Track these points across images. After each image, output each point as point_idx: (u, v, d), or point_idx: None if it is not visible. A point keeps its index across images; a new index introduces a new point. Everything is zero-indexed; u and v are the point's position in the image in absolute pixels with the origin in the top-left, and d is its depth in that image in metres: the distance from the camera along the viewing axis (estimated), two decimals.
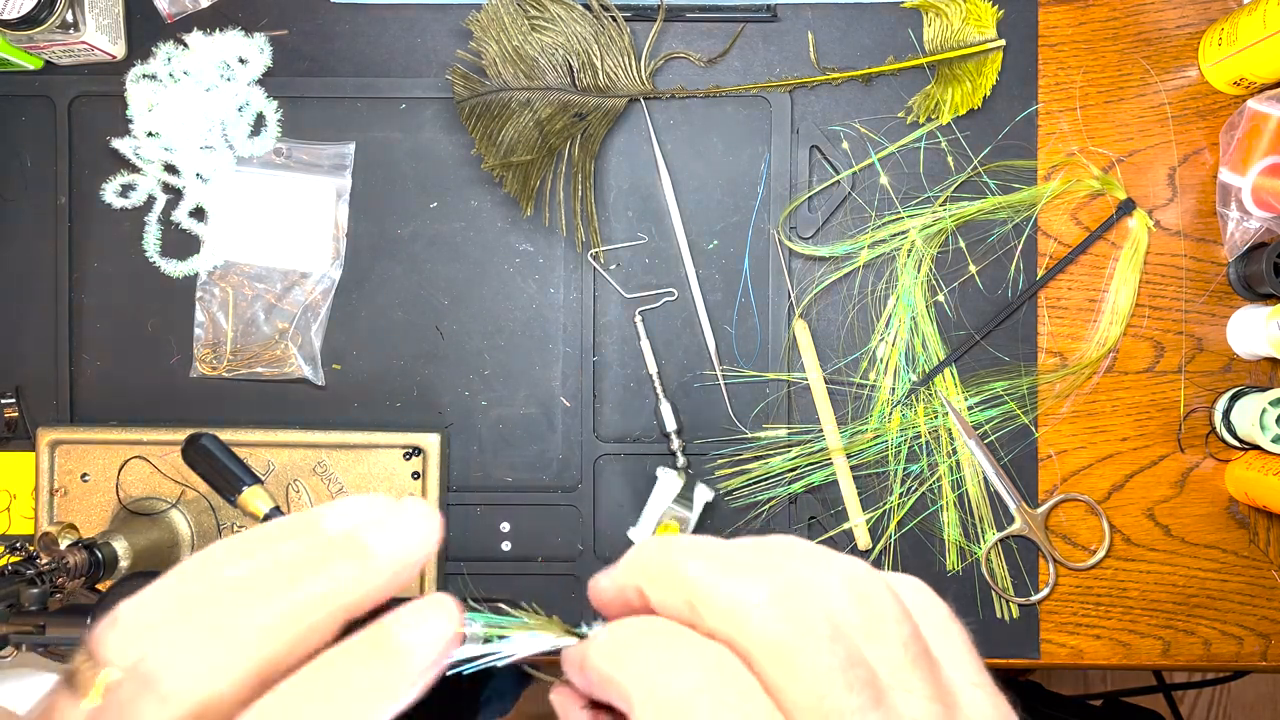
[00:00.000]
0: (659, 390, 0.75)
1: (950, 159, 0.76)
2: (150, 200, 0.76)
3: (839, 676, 0.22)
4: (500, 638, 0.27)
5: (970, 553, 0.75)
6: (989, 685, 0.25)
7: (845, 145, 0.76)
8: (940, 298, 0.76)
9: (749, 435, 0.76)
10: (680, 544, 0.25)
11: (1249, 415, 0.71)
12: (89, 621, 0.60)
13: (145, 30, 0.76)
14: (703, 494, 0.74)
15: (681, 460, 0.75)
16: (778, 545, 0.25)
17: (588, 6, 0.74)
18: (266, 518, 0.64)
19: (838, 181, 0.76)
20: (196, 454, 0.66)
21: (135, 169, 0.76)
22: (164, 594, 0.23)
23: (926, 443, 0.75)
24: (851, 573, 0.24)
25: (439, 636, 0.23)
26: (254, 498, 0.64)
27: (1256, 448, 0.73)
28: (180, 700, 0.21)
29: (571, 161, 0.75)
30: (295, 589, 0.23)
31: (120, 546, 0.69)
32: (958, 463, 0.75)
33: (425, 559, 0.25)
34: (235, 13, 0.76)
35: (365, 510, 0.25)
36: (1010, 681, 1.34)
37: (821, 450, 0.75)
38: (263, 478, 0.70)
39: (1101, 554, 0.75)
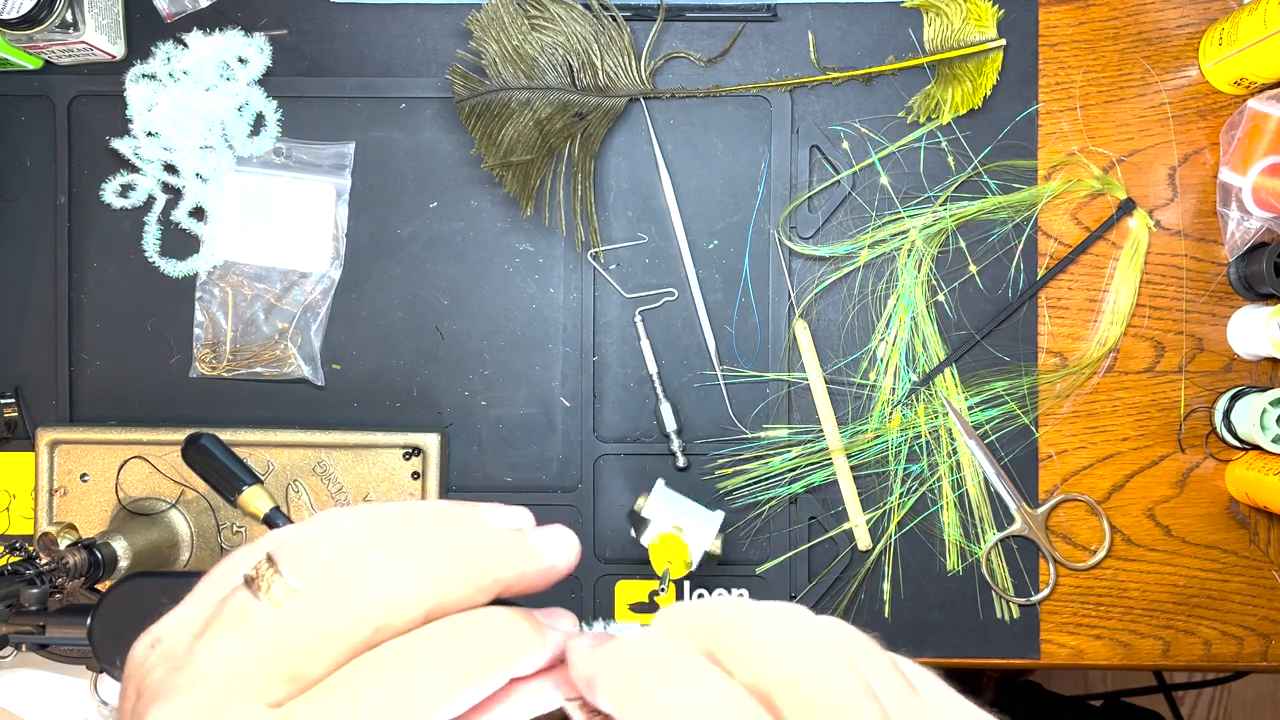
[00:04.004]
0: (659, 390, 0.75)
1: (950, 159, 0.76)
2: (150, 200, 0.76)
3: (859, 704, 0.23)
4: None
5: (970, 553, 0.75)
6: (971, 706, 0.27)
7: (845, 145, 0.76)
8: (940, 298, 0.76)
9: (749, 435, 0.76)
10: (695, 603, 0.27)
11: (1249, 415, 0.71)
12: (89, 622, 0.60)
13: (145, 30, 0.76)
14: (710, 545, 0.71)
15: (683, 461, 0.75)
16: (772, 604, 0.27)
17: (588, 6, 0.74)
18: (267, 518, 0.64)
19: (838, 181, 0.76)
20: (196, 454, 0.66)
21: (135, 169, 0.76)
22: (353, 528, 0.26)
23: (926, 443, 0.75)
24: (839, 622, 0.27)
25: (569, 622, 0.28)
26: (254, 498, 0.64)
27: (1257, 448, 0.73)
28: (370, 611, 0.24)
29: (571, 161, 0.75)
30: (476, 553, 0.26)
31: (120, 546, 0.69)
32: (958, 463, 0.75)
33: (566, 572, 0.28)
34: (235, 12, 0.76)
35: (520, 517, 0.29)
36: (1011, 682, 1.34)
37: (822, 450, 0.75)
38: (262, 478, 0.70)
39: (1102, 554, 0.75)
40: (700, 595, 0.76)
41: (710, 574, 0.76)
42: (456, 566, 0.26)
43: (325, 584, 0.25)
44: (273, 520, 0.64)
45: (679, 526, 0.69)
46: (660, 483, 0.71)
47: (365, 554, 0.25)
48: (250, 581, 0.25)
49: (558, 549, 0.28)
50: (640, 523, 0.69)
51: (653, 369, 0.76)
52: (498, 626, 0.26)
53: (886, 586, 0.76)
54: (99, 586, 0.67)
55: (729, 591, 0.76)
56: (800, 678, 0.23)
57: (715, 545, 0.70)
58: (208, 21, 0.76)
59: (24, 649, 0.63)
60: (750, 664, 0.24)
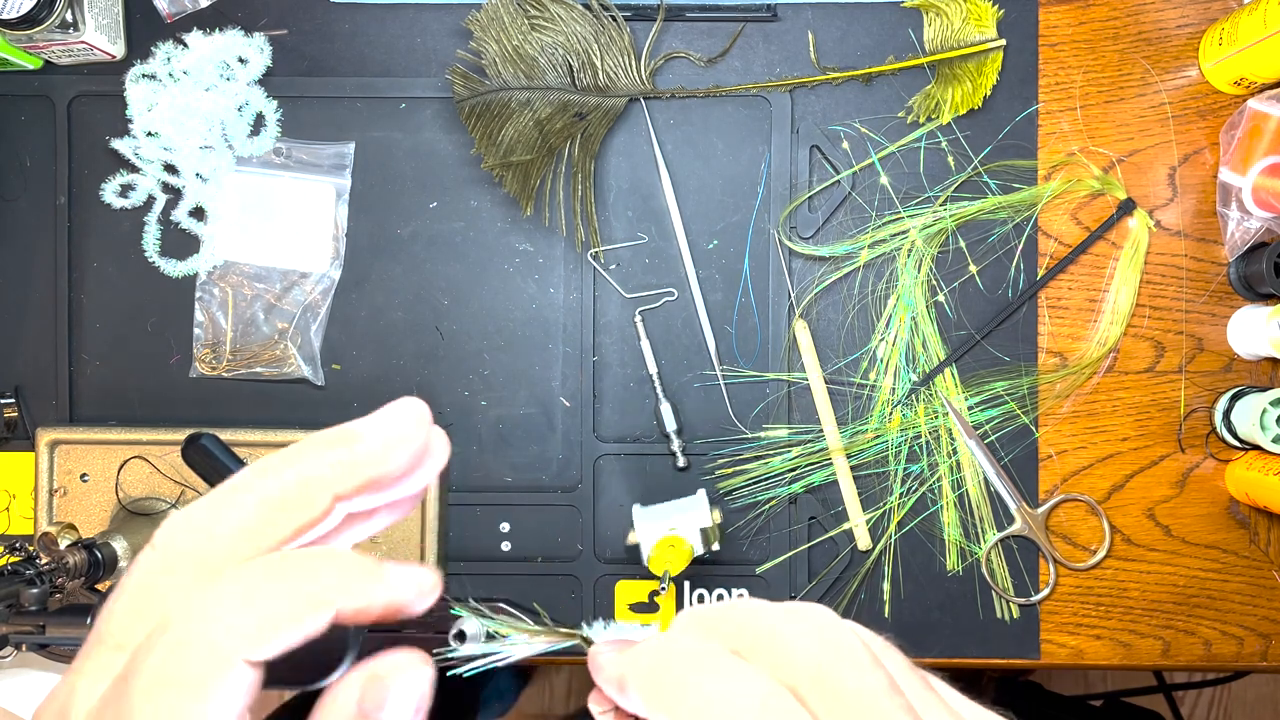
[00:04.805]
0: (659, 390, 0.75)
1: (950, 159, 0.76)
2: (150, 200, 0.76)
3: (886, 700, 0.23)
4: (501, 637, 0.28)
5: (970, 553, 0.75)
6: (978, 706, 0.27)
7: (845, 145, 0.76)
8: (940, 298, 0.76)
9: (749, 435, 0.76)
10: (714, 605, 0.27)
11: (1249, 415, 0.71)
12: (89, 622, 0.60)
13: (145, 30, 0.76)
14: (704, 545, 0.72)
15: (683, 461, 0.75)
16: (793, 603, 0.27)
17: (588, 6, 0.74)
18: None
19: (838, 181, 0.76)
20: (196, 454, 0.66)
21: (135, 169, 0.76)
22: (210, 497, 0.26)
23: (926, 443, 0.75)
24: (856, 625, 0.27)
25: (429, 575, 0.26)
26: None
27: (1257, 448, 0.73)
28: (189, 559, 0.25)
29: (571, 161, 0.75)
30: (291, 468, 0.26)
31: (120, 546, 0.69)
32: (958, 463, 0.75)
33: (413, 451, 0.26)
34: (235, 12, 0.76)
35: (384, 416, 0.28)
36: (1011, 682, 1.34)
37: (821, 450, 0.75)
38: None
39: (1102, 554, 0.75)
40: (701, 596, 0.76)
41: (711, 574, 0.76)
42: (270, 494, 0.25)
43: (164, 549, 0.26)
44: None
45: (673, 528, 0.69)
46: (636, 506, 0.72)
47: (198, 509, 0.26)
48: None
49: (385, 432, 0.26)
50: (638, 551, 0.70)
51: (653, 369, 0.75)
52: (326, 563, 0.24)
53: (886, 586, 0.76)
54: (99, 586, 0.67)
55: (730, 592, 0.76)
56: (827, 672, 0.24)
57: (714, 518, 0.70)
58: (208, 21, 0.76)
59: (24, 649, 0.63)
60: (776, 660, 0.24)
